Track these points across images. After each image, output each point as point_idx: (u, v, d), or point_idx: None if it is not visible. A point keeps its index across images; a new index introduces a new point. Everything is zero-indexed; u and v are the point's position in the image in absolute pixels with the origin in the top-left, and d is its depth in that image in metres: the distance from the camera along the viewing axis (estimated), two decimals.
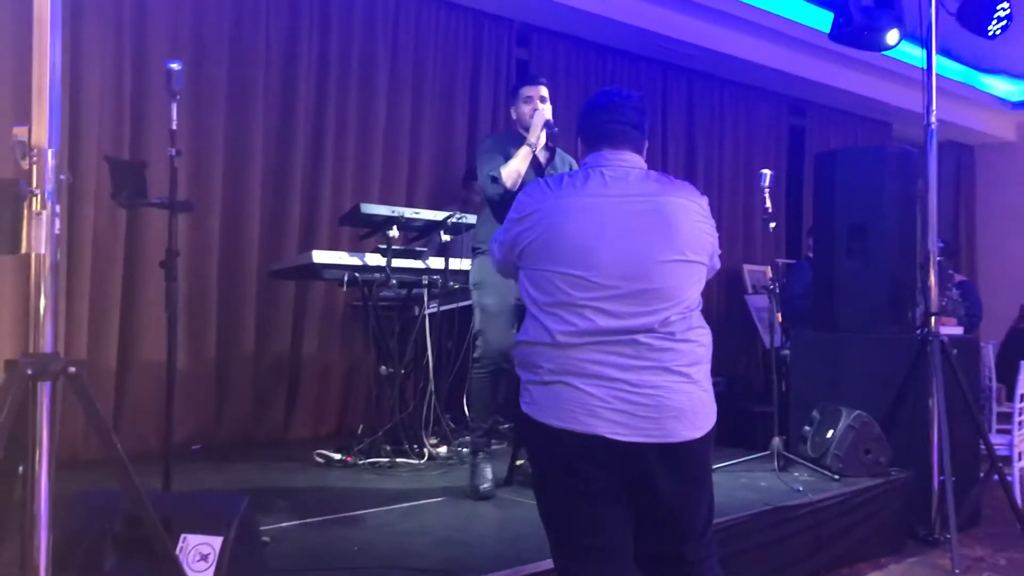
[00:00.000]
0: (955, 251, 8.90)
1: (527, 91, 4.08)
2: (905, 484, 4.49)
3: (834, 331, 5.12)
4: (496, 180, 3.86)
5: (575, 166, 4.15)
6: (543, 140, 4.00)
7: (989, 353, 7.01)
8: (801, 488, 4.06)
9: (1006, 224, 10.32)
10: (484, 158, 4.00)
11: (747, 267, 7.99)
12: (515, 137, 4.05)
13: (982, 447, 4.78)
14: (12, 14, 4.32)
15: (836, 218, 5.20)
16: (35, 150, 1.87)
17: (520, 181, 3.84)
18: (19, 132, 1.88)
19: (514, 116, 4.14)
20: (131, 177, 3.55)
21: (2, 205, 1.82)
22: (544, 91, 4.08)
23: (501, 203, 3.80)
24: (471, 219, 4.51)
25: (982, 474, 4.87)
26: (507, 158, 3.90)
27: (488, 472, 3.90)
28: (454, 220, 4.57)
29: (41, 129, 1.88)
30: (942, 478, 4.34)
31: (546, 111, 3.98)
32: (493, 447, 4.48)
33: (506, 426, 4.83)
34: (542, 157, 4.04)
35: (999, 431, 6.83)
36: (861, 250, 5.07)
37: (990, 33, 5.12)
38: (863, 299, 5.02)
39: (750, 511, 3.64)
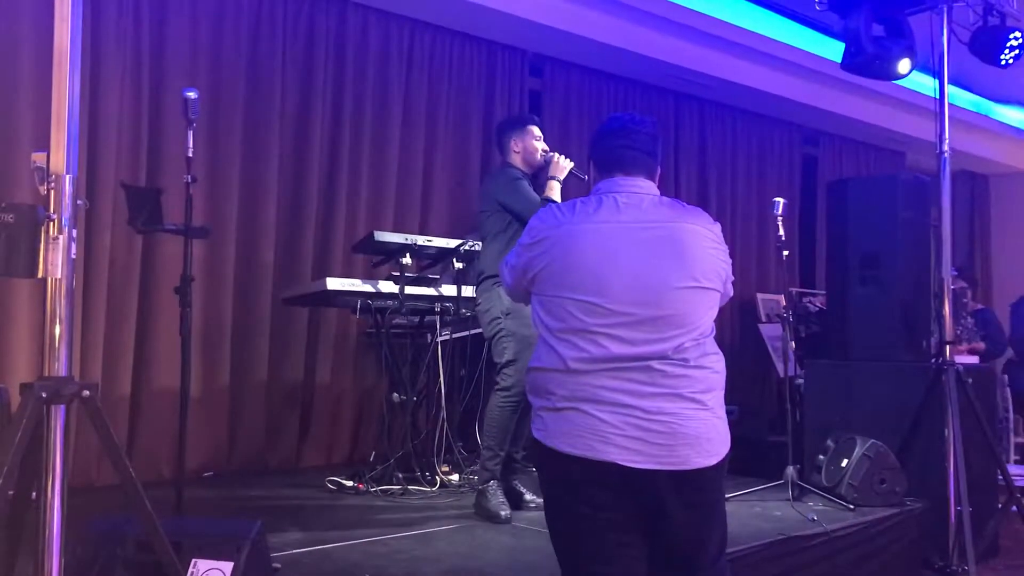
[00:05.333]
0: (973, 280, 8.86)
1: (537, 130, 4.24)
2: (921, 514, 4.44)
3: (848, 360, 5.09)
4: None
5: None
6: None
7: (1005, 383, 6.97)
8: (815, 518, 4.02)
9: (1021, 253, 10.27)
10: (520, 186, 4.07)
11: (760, 295, 7.97)
12: (517, 169, 4.18)
13: (999, 478, 4.73)
14: (33, 43, 4.40)
15: (849, 246, 5.19)
16: (53, 176, 1.89)
17: None
18: (38, 158, 1.90)
19: (516, 148, 4.21)
20: (147, 203, 3.60)
21: (20, 230, 1.84)
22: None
23: None
24: None
25: (1000, 505, 4.81)
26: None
27: (503, 497, 3.91)
28: (467, 248, 4.59)
29: (59, 155, 1.91)
30: (959, 508, 4.29)
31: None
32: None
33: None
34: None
35: (1016, 462, 6.76)
36: (874, 278, 5.06)
37: (1003, 63, 5.12)
38: (877, 327, 4.99)
39: (764, 541, 3.61)
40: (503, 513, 3.82)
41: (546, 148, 4.20)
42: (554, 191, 4.03)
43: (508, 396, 3.92)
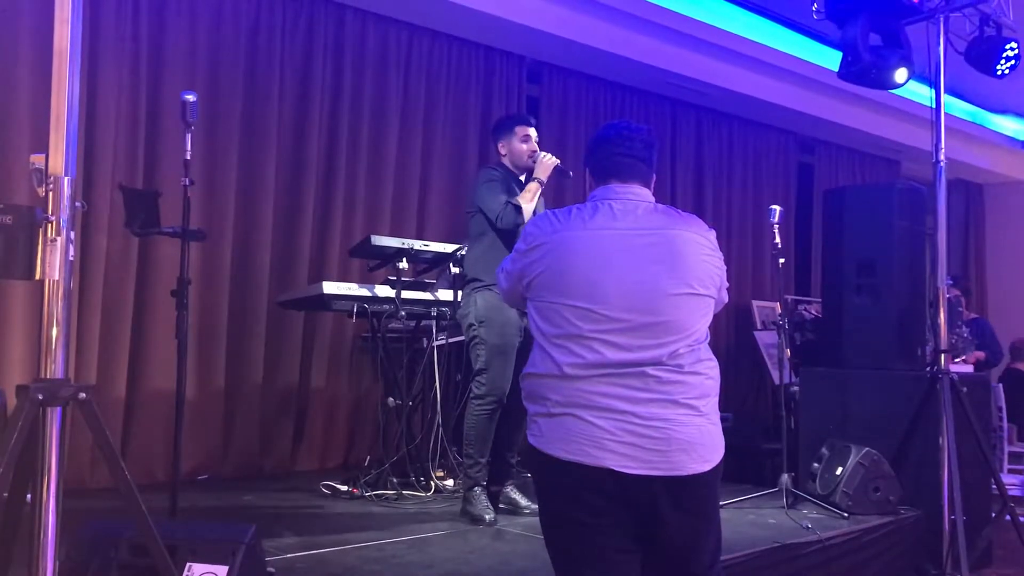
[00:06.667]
0: (967, 290, 8.89)
1: (526, 130, 4.19)
2: (915, 523, 4.45)
3: (843, 367, 5.10)
4: (520, 211, 3.91)
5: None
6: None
7: (999, 392, 6.99)
8: (810, 526, 4.02)
9: (1015, 263, 10.30)
10: (490, 187, 4.04)
11: (756, 303, 7.98)
12: (508, 172, 4.16)
13: (993, 487, 4.74)
14: (31, 44, 4.40)
15: (844, 255, 5.20)
16: (52, 178, 1.89)
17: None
18: (36, 159, 1.90)
19: (503, 151, 4.21)
20: (144, 206, 3.59)
21: (18, 231, 1.84)
22: (535, 132, 4.22)
23: (508, 239, 3.87)
24: None
25: (994, 514, 4.82)
26: (507, 192, 4.02)
27: (487, 501, 3.96)
28: (463, 252, 4.59)
29: (58, 157, 1.91)
30: (953, 517, 4.30)
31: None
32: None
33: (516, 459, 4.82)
34: None
35: (1011, 471, 6.77)
36: (870, 287, 5.07)
37: (998, 73, 5.15)
38: (872, 336, 5.01)
39: (759, 548, 3.61)
40: (487, 516, 3.89)
41: (534, 148, 4.16)
42: (530, 193, 4.00)
43: (482, 404, 3.96)
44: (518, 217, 3.90)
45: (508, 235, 3.92)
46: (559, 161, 4.10)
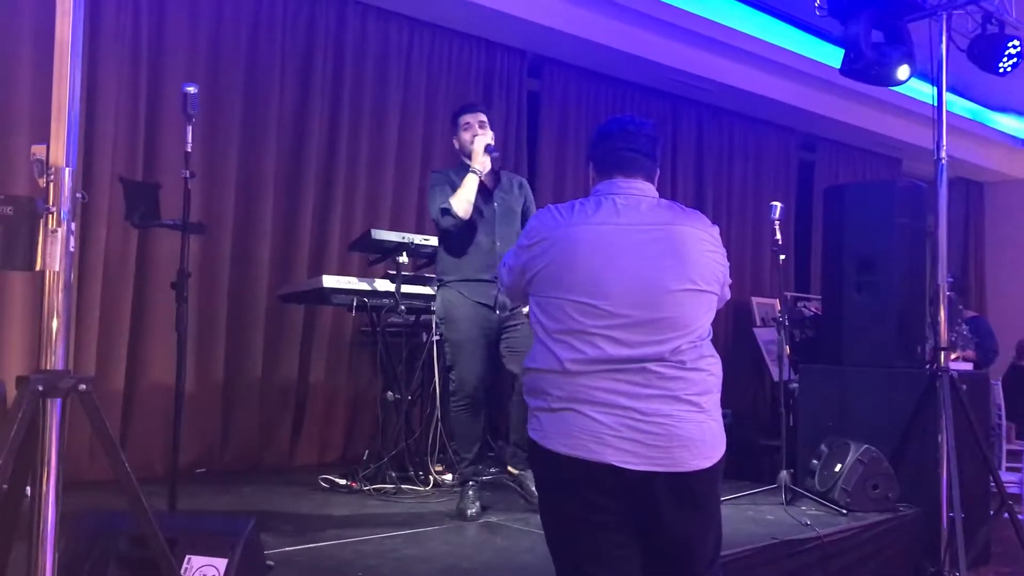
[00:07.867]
0: (966, 288, 8.88)
1: (465, 118, 4.15)
2: (914, 520, 4.45)
3: (842, 365, 5.10)
4: (448, 212, 3.90)
5: (524, 185, 4.25)
6: (488, 165, 4.00)
7: (998, 390, 6.99)
8: (808, 522, 4.02)
9: (1015, 261, 10.31)
10: (433, 192, 4.05)
11: (756, 299, 7.98)
12: (460, 167, 4.12)
13: (992, 484, 4.74)
14: (31, 36, 4.39)
15: (845, 252, 5.20)
16: (52, 168, 1.88)
17: (472, 208, 3.92)
18: (37, 150, 1.89)
19: (456, 145, 4.20)
20: (144, 198, 3.59)
21: (19, 222, 1.83)
22: (483, 117, 4.16)
23: (457, 234, 3.93)
24: None
25: (992, 512, 4.83)
26: (454, 188, 3.96)
27: (475, 497, 3.97)
28: None
29: (59, 148, 1.90)
30: (951, 515, 4.30)
31: (487, 136, 4.04)
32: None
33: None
34: (489, 182, 4.05)
35: (1009, 468, 6.77)
36: (870, 284, 5.07)
37: (1001, 70, 5.14)
38: (872, 333, 5.01)
39: (757, 544, 3.61)
40: (470, 512, 3.90)
41: (475, 132, 4.06)
42: (464, 188, 3.90)
43: (455, 401, 4.02)
44: (448, 218, 3.90)
45: (451, 237, 3.98)
46: (490, 140, 4.02)
